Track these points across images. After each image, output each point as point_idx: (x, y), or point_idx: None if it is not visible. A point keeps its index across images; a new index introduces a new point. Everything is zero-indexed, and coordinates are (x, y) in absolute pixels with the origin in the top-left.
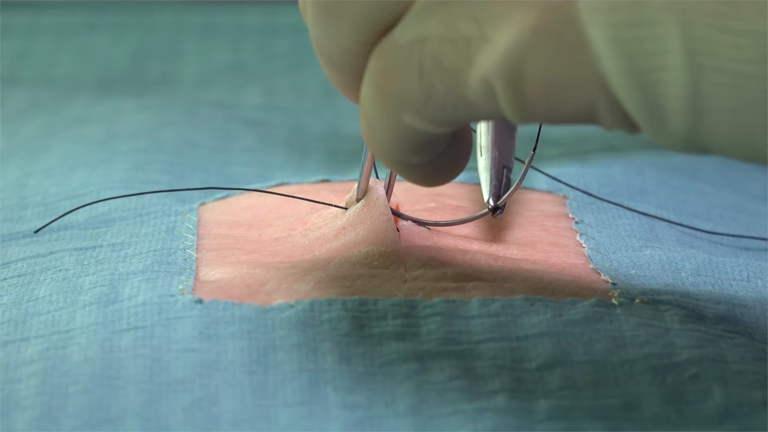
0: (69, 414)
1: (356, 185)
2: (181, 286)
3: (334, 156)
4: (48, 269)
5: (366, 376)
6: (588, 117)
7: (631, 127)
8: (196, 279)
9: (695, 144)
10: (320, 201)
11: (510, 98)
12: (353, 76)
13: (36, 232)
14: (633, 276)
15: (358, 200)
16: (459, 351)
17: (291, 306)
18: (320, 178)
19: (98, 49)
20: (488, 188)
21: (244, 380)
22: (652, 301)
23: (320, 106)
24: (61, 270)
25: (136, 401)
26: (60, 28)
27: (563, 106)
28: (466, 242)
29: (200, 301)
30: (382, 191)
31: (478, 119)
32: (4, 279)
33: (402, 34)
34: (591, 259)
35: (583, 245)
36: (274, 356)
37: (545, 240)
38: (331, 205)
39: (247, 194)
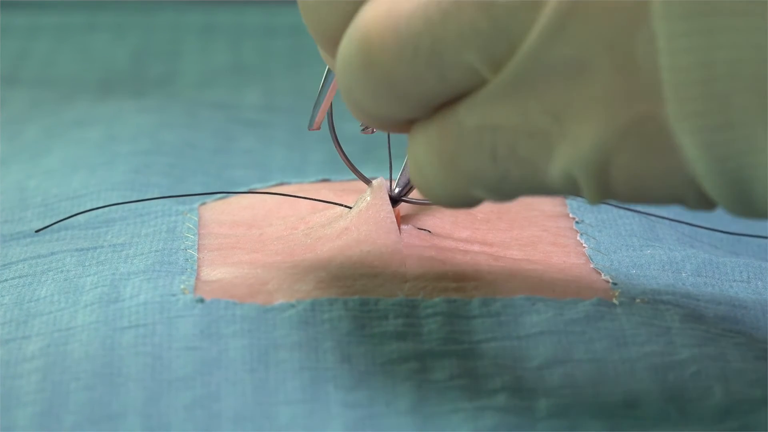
0: (70, 410)
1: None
2: (182, 286)
3: (334, 156)
4: (49, 270)
5: (367, 374)
6: (672, 203)
7: (714, 206)
8: (197, 278)
9: None
10: (326, 200)
11: (593, 190)
12: (394, 129)
13: (37, 231)
14: (633, 276)
15: (311, 126)
16: (460, 350)
17: (292, 305)
18: (320, 177)
19: (98, 49)
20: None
21: (245, 378)
22: (652, 301)
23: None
24: (62, 271)
25: (137, 398)
26: (60, 28)
27: (648, 196)
28: (467, 243)
29: (201, 301)
30: (385, 193)
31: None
32: (6, 280)
33: (469, 117)
34: (591, 259)
35: (584, 245)
36: (275, 355)
37: (546, 240)
38: (337, 204)
39: (247, 194)
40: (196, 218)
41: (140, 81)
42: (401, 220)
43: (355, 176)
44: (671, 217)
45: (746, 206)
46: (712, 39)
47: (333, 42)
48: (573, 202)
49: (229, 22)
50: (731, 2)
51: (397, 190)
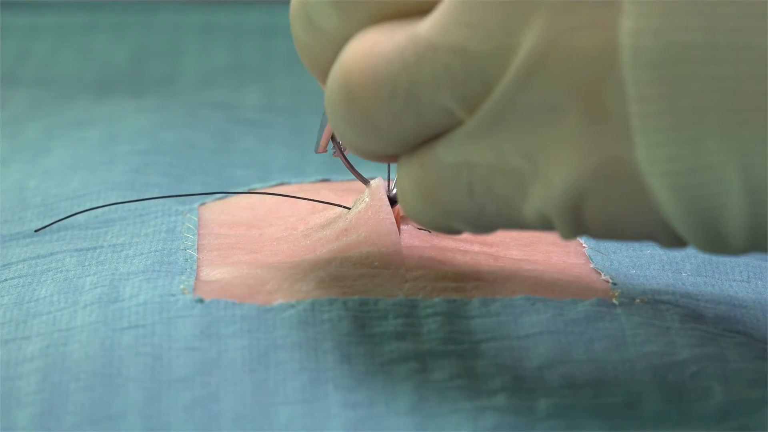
0: (70, 411)
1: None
2: (182, 286)
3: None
4: (49, 270)
5: (367, 374)
6: (644, 239)
7: (685, 244)
8: (197, 279)
9: (753, 252)
10: (325, 201)
11: (566, 228)
12: (381, 160)
13: (37, 231)
14: (633, 276)
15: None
16: (460, 350)
17: (292, 306)
18: (320, 177)
19: (98, 49)
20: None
21: (244, 378)
22: (652, 301)
23: (320, 106)
24: (61, 271)
25: (137, 399)
26: (60, 28)
27: (620, 234)
28: (467, 243)
29: (201, 301)
30: (384, 194)
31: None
32: (5, 280)
33: (447, 154)
34: (591, 259)
35: (584, 245)
36: (274, 355)
37: (545, 240)
38: (336, 204)
39: (247, 194)
40: (195, 218)
41: (140, 81)
42: (401, 220)
43: (354, 176)
44: None
45: (717, 245)
46: (680, 86)
47: (325, 76)
48: None
49: (229, 22)
50: (698, 51)
51: (395, 191)
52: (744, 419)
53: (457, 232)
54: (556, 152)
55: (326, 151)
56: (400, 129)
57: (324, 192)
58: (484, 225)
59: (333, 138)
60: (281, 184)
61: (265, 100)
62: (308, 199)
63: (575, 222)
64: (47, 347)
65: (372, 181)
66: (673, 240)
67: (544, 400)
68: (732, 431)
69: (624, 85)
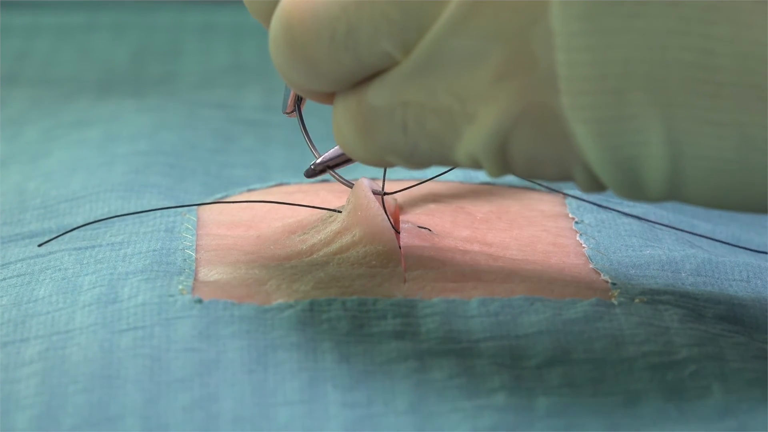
0: (69, 413)
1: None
2: (180, 286)
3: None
4: (47, 269)
5: (365, 374)
6: (565, 180)
7: (604, 188)
8: (195, 279)
9: (669, 201)
10: (320, 207)
11: (493, 170)
12: (320, 99)
13: (40, 246)
14: (633, 276)
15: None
16: (459, 349)
17: (290, 306)
18: (320, 178)
19: (98, 49)
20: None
21: (243, 379)
22: (651, 301)
23: (320, 106)
24: (60, 270)
25: (136, 400)
26: (60, 28)
27: (543, 174)
28: (466, 242)
29: (200, 301)
30: (369, 192)
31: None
32: (4, 279)
33: (383, 92)
34: (591, 259)
35: (583, 245)
36: (273, 355)
37: (545, 240)
38: (327, 209)
39: (246, 194)
40: (194, 218)
41: (140, 81)
42: (401, 219)
43: (356, 179)
44: (670, 218)
45: (635, 192)
46: (607, 39)
47: (268, 19)
48: (573, 202)
49: (229, 22)
50: (627, 5)
51: (319, 161)
52: (743, 418)
53: (391, 165)
54: (484, 95)
55: (294, 111)
56: (339, 69)
57: (323, 193)
58: (417, 161)
59: (296, 101)
60: (281, 184)
61: (265, 100)
62: (299, 205)
63: (501, 162)
64: (46, 350)
65: (356, 182)
66: (593, 184)
67: (543, 399)
68: (731, 430)
69: (552, 35)
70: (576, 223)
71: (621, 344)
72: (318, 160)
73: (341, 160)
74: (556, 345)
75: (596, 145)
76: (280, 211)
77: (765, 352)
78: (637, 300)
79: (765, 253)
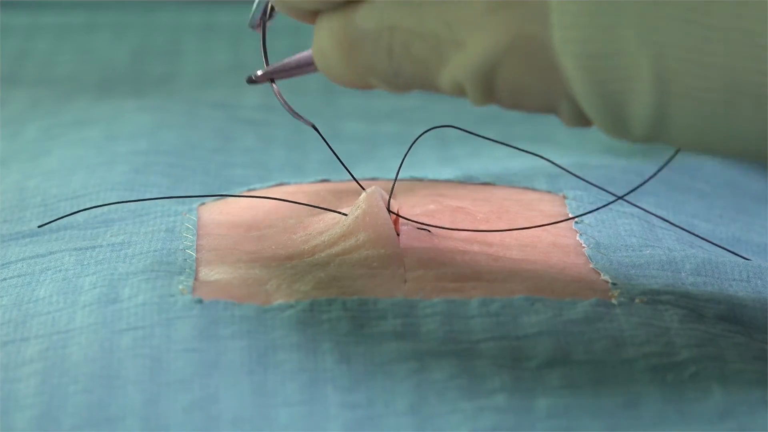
0: (69, 413)
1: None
2: (180, 286)
3: (334, 156)
4: (48, 269)
5: (366, 375)
6: (549, 112)
7: (588, 123)
8: (195, 279)
9: (653, 142)
10: (323, 207)
11: (478, 97)
12: (304, 18)
13: (40, 227)
14: (633, 276)
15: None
16: (459, 350)
17: (291, 306)
18: (320, 178)
19: (98, 49)
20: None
21: (243, 380)
22: (651, 301)
23: (320, 106)
24: (60, 270)
25: (136, 401)
26: (60, 28)
27: (527, 105)
28: (466, 243)
29: (200, 301)
30: (380, 199)
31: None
32: (4, 279)
33: (370, 14)
34: (591, 259)
35: (583, 245)
36: (273, 356)
37: (545, 240)
38: (332, 210)
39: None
40: (195, 218)
41: (140, 80)
42: (400, 220)
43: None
44: (670, 218)
45: (620, 128)
46: None
47: None
48: (573, 203)
49: (229, 22)
50: None
51: (267, 70)
52: (743, 419)
53: (371, 87)
54: (474, 23)
55: (260, 26)
56: None
57: (323, 193)
58: (400, 84)
59: (263, 16)
60: (281, 184)
61: (265, 100)
62: (304, 204)
63: (487, 90)
64: (46, 350)
65: (368, 188)
66: (578, 118)
67: (543, 399)
68: (731, 431)
69: None
70: (576, 223)
71: (621, 345)
72: (267, 69)
73: (290, 71)
74: (556, 346)
75: (584, 78)
76: (280, 211)
77: (765, 352)
78: (637, 300)
79: (748, 259)
